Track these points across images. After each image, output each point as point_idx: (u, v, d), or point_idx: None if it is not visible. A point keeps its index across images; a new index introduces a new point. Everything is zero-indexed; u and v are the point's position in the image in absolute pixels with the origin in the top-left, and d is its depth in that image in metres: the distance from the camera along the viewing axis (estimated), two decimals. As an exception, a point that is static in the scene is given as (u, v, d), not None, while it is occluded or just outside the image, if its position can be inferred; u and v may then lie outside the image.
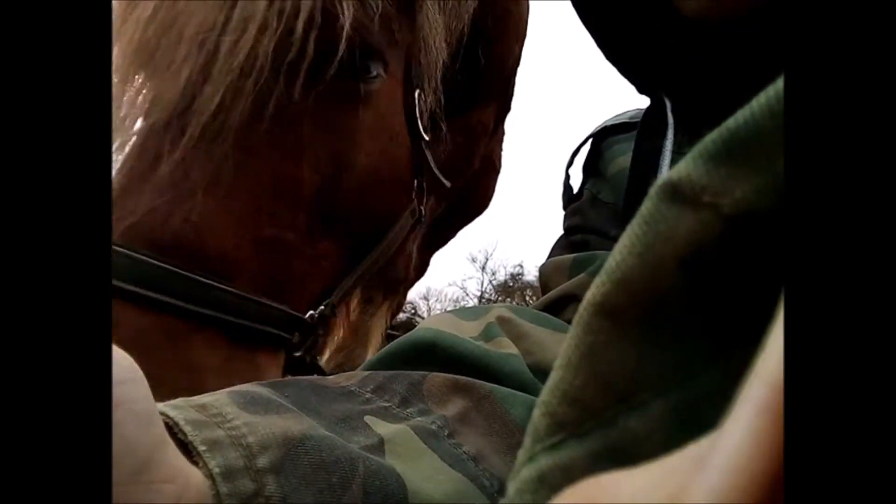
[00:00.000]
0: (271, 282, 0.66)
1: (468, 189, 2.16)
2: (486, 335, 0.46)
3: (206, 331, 0.56)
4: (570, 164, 0.74)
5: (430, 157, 0.87)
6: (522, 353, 0.44)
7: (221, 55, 0.61)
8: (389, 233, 0.80)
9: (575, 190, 0.75)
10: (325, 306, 0.71)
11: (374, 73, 0.75)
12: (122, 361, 0.26)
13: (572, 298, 0.55)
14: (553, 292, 0.57)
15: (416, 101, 0.83)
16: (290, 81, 0.68)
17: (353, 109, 0.74)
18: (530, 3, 1.58)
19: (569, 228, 0.69)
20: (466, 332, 0.46)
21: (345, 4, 0.67)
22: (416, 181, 0.84)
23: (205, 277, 0.55)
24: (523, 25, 1.56)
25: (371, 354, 1.47)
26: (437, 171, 0.89)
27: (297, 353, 0.70)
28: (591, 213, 0.67)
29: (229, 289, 0.57)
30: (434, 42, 0.87)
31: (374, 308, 1.51)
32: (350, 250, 0.76)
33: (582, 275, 0.55)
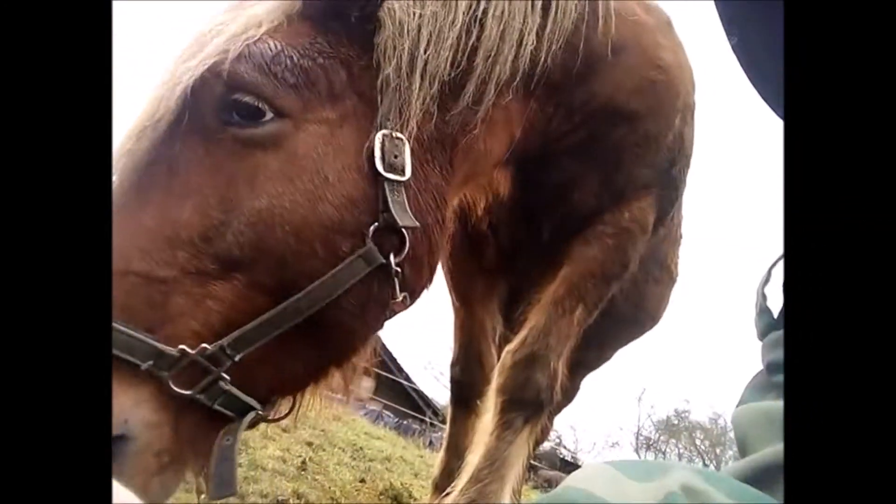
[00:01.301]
0: (134, 313, 0.65)
1: (631, 297, 1.90)
2: None
3: None
4: (767, 280, 0.59)
5: (397, 199, 0.79)
6: None
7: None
8: (319, 278, 0.74)
9: (775, 314, 0.59)
10: (220, 349, 0.67)
11: (268, 117, 0.75)
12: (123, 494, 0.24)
13: (796, 469, 0.38)
14: (761, 456, 0.41)
15: (377, 142, 0.79)
16: (174, 128, 0.72)
17: (248, 155, 0.74)
18: (690, 62, 1.36)
19: (773, 365, 0.53)
20: (632, 499, 0.34)
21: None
22: (374, 224, 0.78)
23: None
24: (683, 93, 1.31)
25: (508, 492, 1.26)
26: (409, 214, 0.80)
27: (187, 392, 0.66)
28: (805, 346, 0.51)
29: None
30: (409, 81, 0.83)
31: (513, 434, 1.27)
32: (265, 294, 0.72)
33: None
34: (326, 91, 0.81)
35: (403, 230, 0.81)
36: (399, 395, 16.47)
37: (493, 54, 0.92)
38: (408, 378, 17.52)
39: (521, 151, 1.15)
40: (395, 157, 0.81)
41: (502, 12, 0.92)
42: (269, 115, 0.76)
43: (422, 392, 17.12)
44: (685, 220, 2.07)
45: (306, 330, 0.76)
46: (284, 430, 3.33)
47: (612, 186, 1.30)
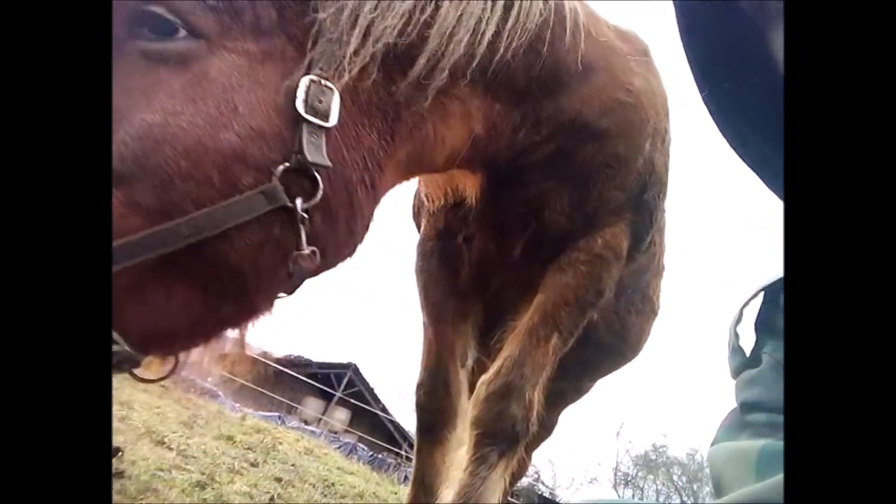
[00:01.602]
0: None
1: (613, 327, 1.88)
2: None
3: None
4: (739, 320, 0.61)
5: (314, 141, 0.76)
6: None
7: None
8: (209, 205, 0.69)
9: (747, 353, 0.60)
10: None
11: (181, 34, 0.70)
12: None
13: (770, 510, 0.38)
14: (737, 496, 0.41)
15: (302, 84, 0.76)
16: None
17: (152, 70, 0.70)
18: (663, 84, 1.38)
19: (746, 404, 0.54)
20: None
21: None
22: (285, 164, 0.74)
23: None
24: (653, 118, 1.31)
25: None
26: (323, 155, 0.77)
27: None
28: (777, 385, 0.52)
29: None
30: (348, 36, 0.80)
31: (487, 469, 1.22)
32: (143, 216, 0.65)
33: (781, 476, 0.39)
34: (252, 24, 0.78)
35: (317, 176, 0.77)
36: (375, 427, 16.03)
37: (447, 33, 0.91)
38: (384, 409, 17.08)
39: (489, 157, 1.15)
40: (320, 102, 0.78)
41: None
42: (182, 32, 0.72)
43: (398, 424, 16.69)
44: (668, 253, 2.09)
45: (191, 268, 0.70)
46: (253, 465, 3.20)
47: (583, 207, 1.30)
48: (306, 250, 0.78)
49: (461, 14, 0.93)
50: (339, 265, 0.93)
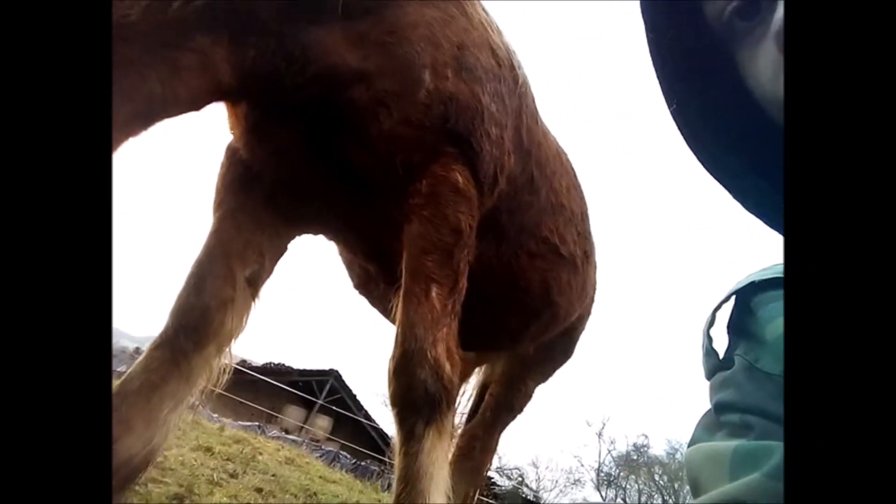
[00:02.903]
0: None
1: (495, 274, 1.72)
2: None
3: None
4: (712, 323, 0.63)
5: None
6: None
7: None
8: None
9: (721, 355, 0.62)
10: None
11: None
12: None
13: (742, 508, 0.40)
14: (712, 496, 0.43)
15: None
16: None
17: None
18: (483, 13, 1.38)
19: (720, 405, 0.55)
20: None
21: None
22: None
23: None
24: (428, 49, 1.27)
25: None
26: None
27: None
28: (748, 386, 0.53)
29: None
30: None
31: (417, 443, 1.13)
32: None
33: (755, 475, 0.40)
34: None
35: None
36: (358, 434, 15.85)
37: None
38: (367, 416, 16.92)
39: (252, 100, 1.14)
40: None
41: None
42: None
43: (382, 430, 16.54)
44: (567, 191, 1.89)
45: None
46: (232, 476, 3.13)
47: (373, 144, 1.24)
48: None
49: None
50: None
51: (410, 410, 1.19)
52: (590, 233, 2.19)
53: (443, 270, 1.26)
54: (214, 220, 1.43)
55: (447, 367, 1.22)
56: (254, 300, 1.47)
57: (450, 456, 1.26)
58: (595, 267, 2.36)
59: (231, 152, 1.45)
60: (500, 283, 1.75)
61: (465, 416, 2.81)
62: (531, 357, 2.43)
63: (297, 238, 1.59)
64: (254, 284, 1.46)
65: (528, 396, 2.55)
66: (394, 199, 1.32)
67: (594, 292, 2.48)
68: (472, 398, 2.83)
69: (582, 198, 2.09)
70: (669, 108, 0.35)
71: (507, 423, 2.50)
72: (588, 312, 2.55)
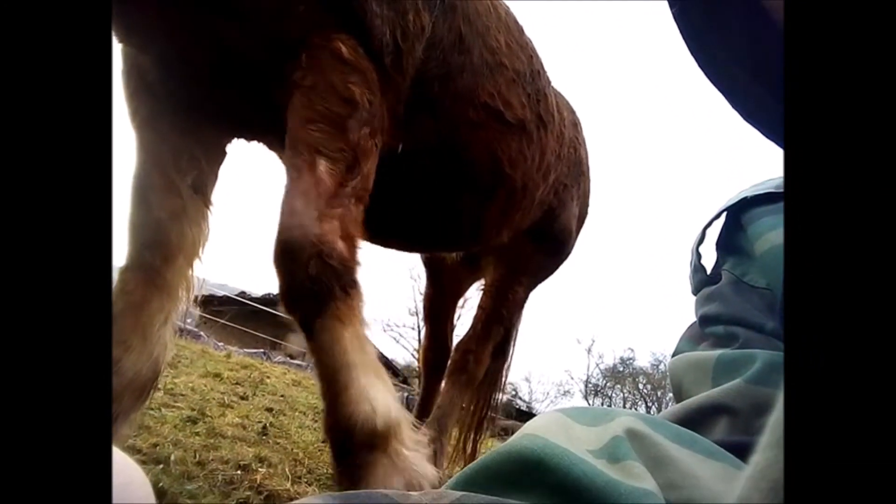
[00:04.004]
0: None
1: (431, 151, 1.53)
2: (611, 454, 0.36)
3: None
4: (701, 241, 0.63)
5: None
6: (663, 486, 0.33)
7: None
8: None
9: (708, 271, 0.63)
10: None
11: None
12: (123, 464, 0.23)
13: (722, 410, 0.42)
14: (694, 400, 0.46)
15: None
16: None
17: None
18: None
19: (705, 318, 0.57)
20: (582, 443, 0.37)
21: None
22: None
23: None
24: None
25: (371, 396, 0.98)
26: None
27: None
28: (734, 299, 0.55)
29: None
30: None
31: (315, 342, 1.03)
32: None
33: (737, 381, 0.43)
34: None
35: None
36: (359, 357, 16.55)
37: None
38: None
39: None
40: None
41: None
42: None
43: (382, 353, 17.30)
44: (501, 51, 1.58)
45: None
46: (242, 398, 3.31)
47: (246, 21, 1.11)
48: None
49: None
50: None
51: (296, 305, 1.01)
52: (546, 94, 1.86)
53: (334, 143, 1.08)
54: (135, 133, 1.30)
55: (339, 245, 1.01)
56: (207, 208, 1.35)
57: (366, 337, 1.07)
58: (561, 133, 2.03)
59: (126, 56, 1.31)
60: (446, 164, 1.56)
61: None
62: (517, 262, 2.32)
63: (231, 143, 1.44)
64: (201, 191, 1.33)
65: (518, 304, 2.43)
66: (281, 82, 1.14)
67: (570, 165, 2.18)
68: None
69: (530, 56, 1.77)
70: (671, 9, 0.32)
71: (499, 334, 2.41)
72: (567, 195, 2.23)
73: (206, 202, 1.37)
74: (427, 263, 2.78)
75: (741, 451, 0.41)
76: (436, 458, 2.11)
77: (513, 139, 1.69)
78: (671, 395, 0.60)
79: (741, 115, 0.35)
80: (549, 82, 1.97)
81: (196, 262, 1.35)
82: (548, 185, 2.03)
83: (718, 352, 0.49)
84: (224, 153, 1.43)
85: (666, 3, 0.35)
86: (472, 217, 1.83)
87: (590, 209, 2.58)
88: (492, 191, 1.75)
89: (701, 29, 0.33)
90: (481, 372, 2.39)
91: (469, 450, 2.57)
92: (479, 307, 2.41)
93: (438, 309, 2.82)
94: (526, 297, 2.48)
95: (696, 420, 0.43)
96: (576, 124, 2.33)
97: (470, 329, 2.42)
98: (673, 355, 0.60)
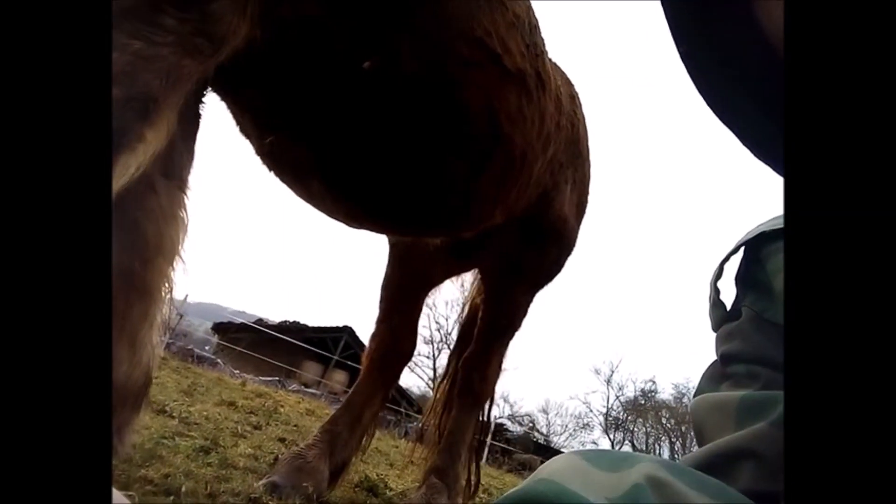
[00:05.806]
0: None
1: (418, 99, 1.28)
2: (632, 502, 0.34)
3: None
4: (719, 275, 0.62)
5: None
6: None
7: None
8: None
9: (728, 306, 0.61)
10: None
11: None
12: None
13: (748, 456, 0.40)
14: (718, 445, 0.44)
15: None
16: None
17: None
18: None
19: (726, 356, 0.56)
20: (601, 490, 0.35)
21: None
22: None
23: None
24: None
25: (134, 363, 0.99)
26: None
27: None
28: (755, 336, 0.53)
29: None
30: None
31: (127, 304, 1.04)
32: None
33: (762, 424, 0.41)
34: None
35: None
36: (373, 386, 16.40)
37: None
38: (382, 369, 17.44)
39: None
40: None
41: None
42: None
43: (397, 384, 17.10)
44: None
45: None
46: (256, 428, 3.29)
47: None
48: None
49: None
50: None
51: None
52: (544, 52, 1.58)
53: None
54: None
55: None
56: (183, 192, 1.16)
57: None
58: (559, 101, 1.72)
59: None
60: (432, 105, 1.29)
61: (455, 339, 2.56)
62: (511, 261, 2.04)
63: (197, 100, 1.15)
64: (176, 175, 1.15)
65: (520, 309, 2.16)
66: None
67: (568, 142, 1.87)
68: (464, 317, 2.50)
69: (528, 6, 1.53)
70: (679, 49, 0.33)
71: (503, 346, 2.20)
72: (562, 176, 1.92)
73: (182, 186, 1.16)
74: (394, 242, 2.25)
75: (768, 501, 0.38)
76: (449, 493, 2.00)
77: (511, 92, 1.41)
78: (693, 437, 0.58)
79: (751, 151, 0.34)
80: (545, 44, 1.65)
81: (175, 260, 1.18)
82: (546, 159, 1.70)
83: (741, 393, 0.48)
84: (198, 125, 1.17)
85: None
86: (463, 185, 1.51)
87: (590, 198, 2.21)
88: (488, 153, 1.46)
89: (707, 66, 0.33)
90: (489, 390, 2.17)
91: (473, 480, 2.27)
92: (480, 319, 2.21)
93: (402, 297, 2.27)
94: (529, 302, 2.17)
95: (719, 466, 0.41)
96: (573, 97, 2.01)
97: (472, 344, 2.20)
98: (694, 395, 0.58)
